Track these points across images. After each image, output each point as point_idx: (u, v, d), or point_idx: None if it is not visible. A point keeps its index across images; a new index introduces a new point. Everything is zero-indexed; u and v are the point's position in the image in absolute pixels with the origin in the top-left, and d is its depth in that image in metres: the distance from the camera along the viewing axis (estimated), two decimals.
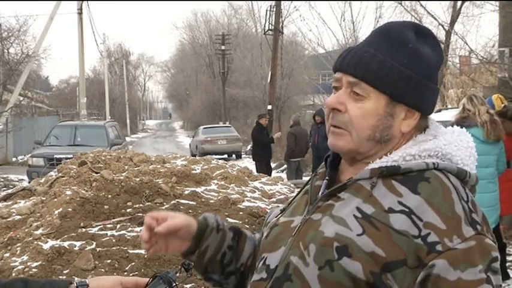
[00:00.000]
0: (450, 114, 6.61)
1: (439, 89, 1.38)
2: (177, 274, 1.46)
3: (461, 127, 4.95)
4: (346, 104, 1.33)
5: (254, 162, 14.50)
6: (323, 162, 1.49)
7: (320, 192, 1.40)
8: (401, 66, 1.30)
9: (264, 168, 13.71)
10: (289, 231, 1.39)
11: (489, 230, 1.27)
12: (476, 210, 1.27)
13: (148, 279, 1.45)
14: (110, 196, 7.55)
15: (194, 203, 7.57)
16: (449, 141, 1.35)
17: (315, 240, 1.30)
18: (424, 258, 1.20)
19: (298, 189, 1.60)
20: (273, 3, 26.71)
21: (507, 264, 6.45)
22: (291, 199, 1.56)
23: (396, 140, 1.35)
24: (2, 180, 17.67)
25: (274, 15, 26.48)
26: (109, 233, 6.60)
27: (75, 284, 1.45)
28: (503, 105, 6.51)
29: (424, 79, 1.32)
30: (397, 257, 1.21)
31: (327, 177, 1.43)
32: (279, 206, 1.68)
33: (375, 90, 1.31)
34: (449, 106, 15.26)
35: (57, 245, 6.19)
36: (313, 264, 1.29)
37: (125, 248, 6.21)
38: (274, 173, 16.11)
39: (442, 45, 19.97)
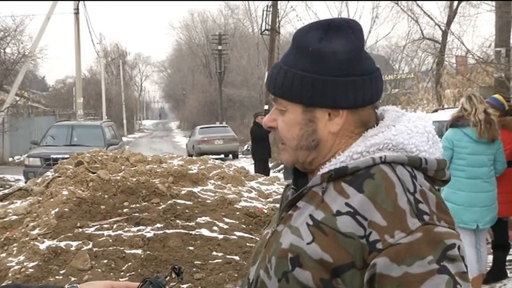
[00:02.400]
0: (447, 114, 6.62)
1: (375, 76, 1.30)
2: (167, 278, 1.45)
3: (456, 126, 4.96)
4: (277, 120, 1.37)
5: (253, 161, 14.54)
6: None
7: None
8: (304, 71, 1.30)
9: (261, 167, 13.72)
10: (264, 244, 1.40)
11: (444, 218, 1.21)
12: (427, 199, 1.22)
13: (138, 283, 1.44)
14: (106, 196, 7.54)
15: (191, 203, 7.57)
16: (400, 130, 1.31)
17: (275, 253, 1.30)
18: (367, 259, 1.18)
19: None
20: (270, 3, 26.73)
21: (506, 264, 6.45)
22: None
23: (330, 142, 1.33)
24: None
25: (270, 15, 26.50)
26: (106, 233, 6.59)
27: None
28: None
29: (333, 76, 1.28)
30: (344, 260, 1.20)
31: (292, 186, 1.44)
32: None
33: (288, 102, 1.33)
34: (445, 106, 15.30)
35: (54, 245, 6.18)
36: (274, 277, 1.29)
37: (122, 248, 6.20)
38: (271, 173, 16.12)
39: (439, 45, 20.01)
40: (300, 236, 1.26)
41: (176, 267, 1.47)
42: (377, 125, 1.34)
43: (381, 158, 1.26)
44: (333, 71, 1.29)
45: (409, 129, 1.31)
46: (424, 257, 1.15)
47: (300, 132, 1.33)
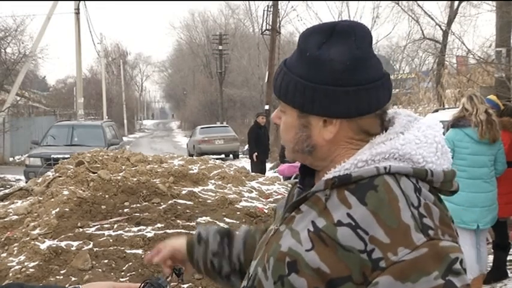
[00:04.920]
0: (447, 114, 6.62)
1: (376, 85, 1.26)
2: (168, 279, 1.45)
3: (457, 127, 4.96)
4: (281, 119, 1.39)
5: (250, 160, 14.58)
6: None
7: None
8: (299, 77, 1.28)
9: (259, 167, 13.74)
10: (266, 241, 1.40)
11: (447, 231, 1.19)
12: (431, 213, 1.20)
13: (139, 284, 1.43)
14: (107, 196, 7.54)
15: (191, 203, 7.57)
16: (408, 139, 1.27)
17: (274, 254, 1.29)
18: (368, 276, 1.15)
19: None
20: (270, 3, 26.73)
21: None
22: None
23: (325, 148, 1.31)
24: None
25: (271, 15, 26.51)
26: (106, 233, 6.59)
27: None
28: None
29: (325, 85, 1.25)
30: (342, 273, 1.18)
31: (298, 185, 1.43)
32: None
33: (286, 105, 1.33)
34: (446, 106, 15.29)
35: (54, 245, 6.18)
36: (271, 278, 1.29)
37: (122, 248, 6.20)
38: (270, 173, 16.13)
39: (439, 46, 20.01)
40: (299, 241, 1.25)
41: (176, 268, 1.47)
42: (386, 131, 1.30)
43: (385, 168, 1.23)
44: (326, 80, 1.25)
45: (417, 138, 1.28)
46: (430, 273, 1.13)
47: (295, 136, 1.33)
